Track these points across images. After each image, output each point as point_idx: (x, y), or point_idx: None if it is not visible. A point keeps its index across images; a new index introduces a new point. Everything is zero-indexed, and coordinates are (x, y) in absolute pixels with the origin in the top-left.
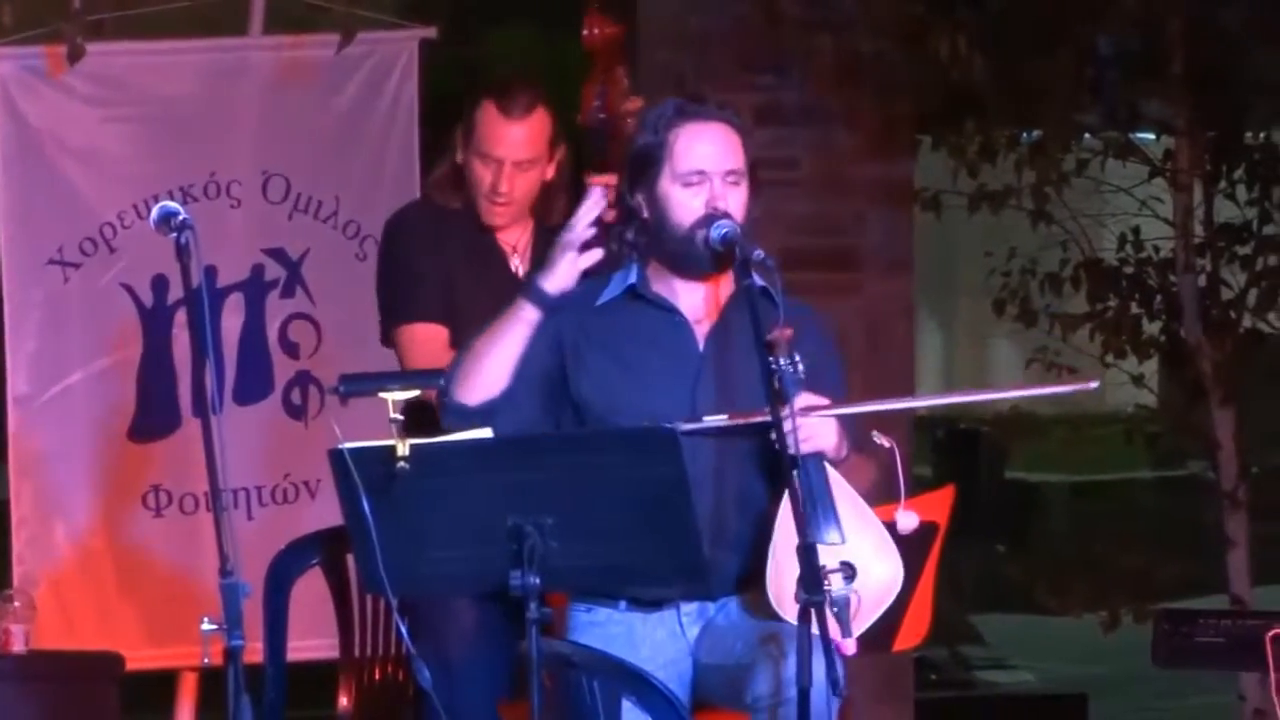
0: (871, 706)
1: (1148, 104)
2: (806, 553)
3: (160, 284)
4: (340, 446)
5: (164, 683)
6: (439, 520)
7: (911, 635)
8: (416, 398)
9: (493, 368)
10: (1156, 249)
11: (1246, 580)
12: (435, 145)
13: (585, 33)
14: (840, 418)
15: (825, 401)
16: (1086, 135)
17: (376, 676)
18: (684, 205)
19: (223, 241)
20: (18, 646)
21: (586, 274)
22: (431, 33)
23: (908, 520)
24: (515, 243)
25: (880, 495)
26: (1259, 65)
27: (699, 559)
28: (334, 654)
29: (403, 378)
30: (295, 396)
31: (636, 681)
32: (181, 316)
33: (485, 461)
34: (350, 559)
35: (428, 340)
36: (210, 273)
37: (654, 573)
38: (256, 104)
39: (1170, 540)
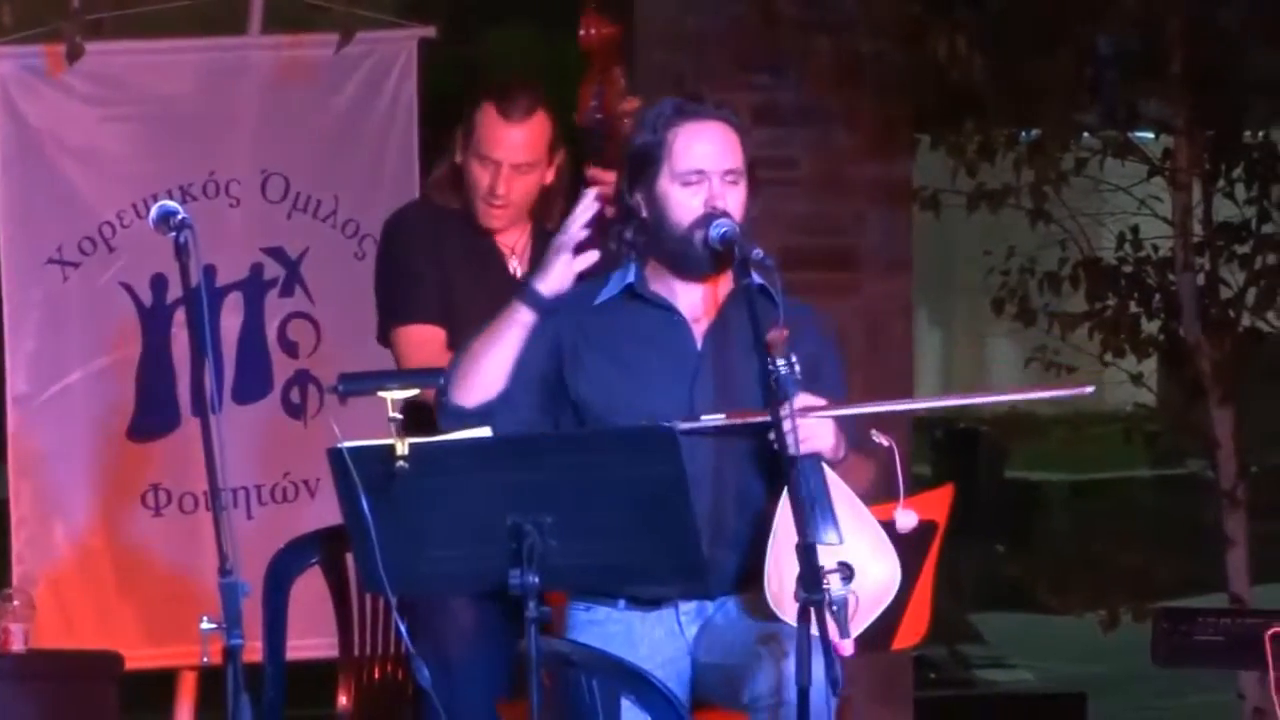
0: (871, 705)
1: (1147, 103)
2: (806, 551)
3: (159, 283)
4: (339, 445)
5: (163, 682)
6: (438, 519)
7: (911, 634)
8: (413, 398)
9: (489, 370)
10: (1155, 248)
11: (1245, 579)
12: (434, 145)
13: (582, 33)
14: (838, 418)
15: (822, 402)
16: (1085, 134)
17: (376, 676)
18: (683, 204)
19: (222, 240)
20: (17, 646)
21: (583, 276)
22: (431, 32)
23: (907, 519)
24: (514, 245)
25: (879, 494)
26: (1258, 64)
27: (698, 558)
28: (333, 653)
29: (402, 376)
30: (294, 395)
31: (636, 680)
32: (181, 315)
33: (485, 460)
34: (349, 558)
35: (425, 341)
36: (209, 272)
37: (653, 572)
38: (256, 103)
39: (1169, 539)
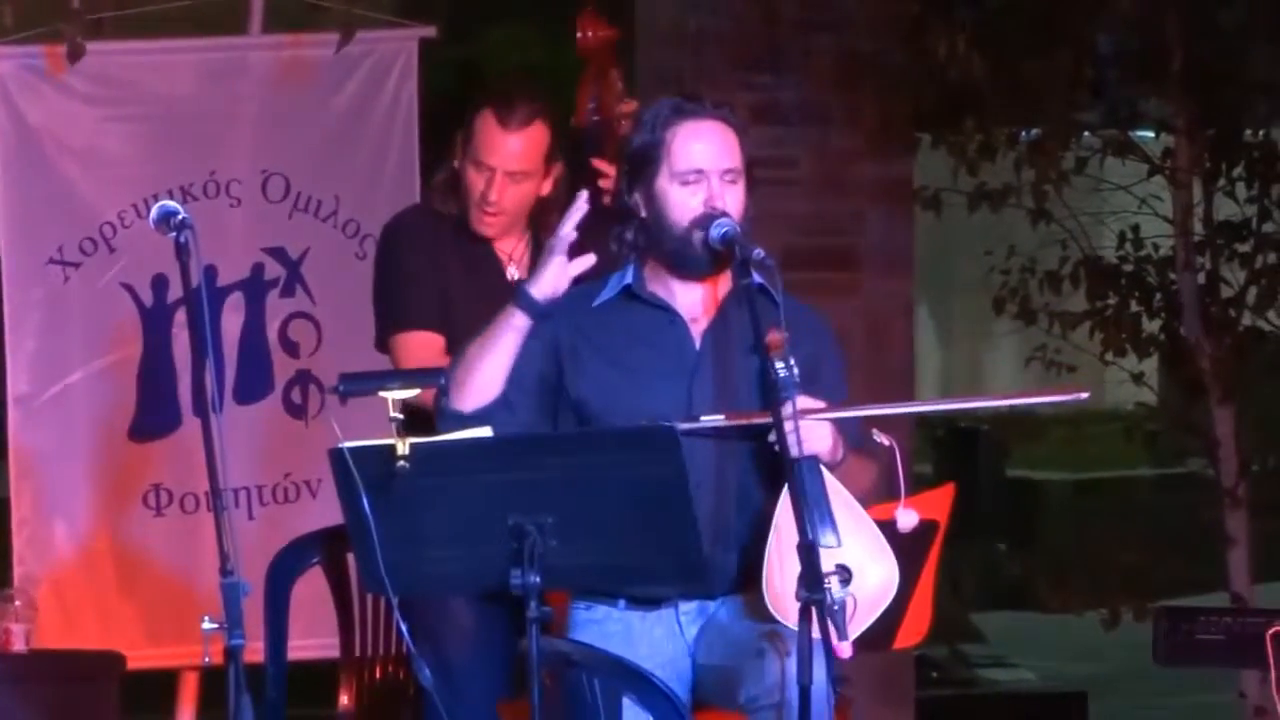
0: (872, 705)
1: (1147, 102)
2: (807, 551)
3: (160, 283)
4: (340, 445)
5: (164, 682)
6: (439, 519)
7: (912, 633)
8: (411, 403)
9: (485, 374)
10: (1156, 247)
11: (1246, 577)
12: (435, 144)
13: (579, 35)
14: (837, 420)
15: (821, 404)
16: (1086, 133)
17: (377, 675)
18: (682, 204)
19: (222, 241)
20: (18, 646)
21: (579, 280)
22: (431, 32)
23: (908, 518)
24: (512, 251)
25: (880, 493)
26: (1258, 63)
27: (699, 558)
28: (334, 653)
29: (403, 377)
30: (295, 395)
31: (637, 680)
32: (181, 316)
33: (485, 461)
34: (350, 558)
35: (422, 347)
36: (210, 272)
37: (654, 572)
38: (256, 103)
39: (1170, 538)
